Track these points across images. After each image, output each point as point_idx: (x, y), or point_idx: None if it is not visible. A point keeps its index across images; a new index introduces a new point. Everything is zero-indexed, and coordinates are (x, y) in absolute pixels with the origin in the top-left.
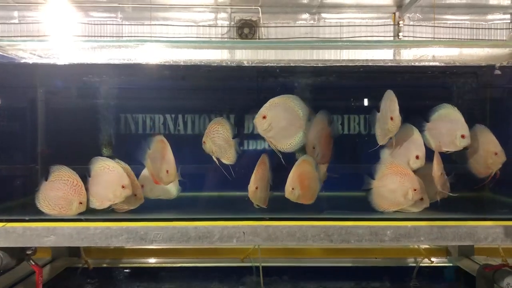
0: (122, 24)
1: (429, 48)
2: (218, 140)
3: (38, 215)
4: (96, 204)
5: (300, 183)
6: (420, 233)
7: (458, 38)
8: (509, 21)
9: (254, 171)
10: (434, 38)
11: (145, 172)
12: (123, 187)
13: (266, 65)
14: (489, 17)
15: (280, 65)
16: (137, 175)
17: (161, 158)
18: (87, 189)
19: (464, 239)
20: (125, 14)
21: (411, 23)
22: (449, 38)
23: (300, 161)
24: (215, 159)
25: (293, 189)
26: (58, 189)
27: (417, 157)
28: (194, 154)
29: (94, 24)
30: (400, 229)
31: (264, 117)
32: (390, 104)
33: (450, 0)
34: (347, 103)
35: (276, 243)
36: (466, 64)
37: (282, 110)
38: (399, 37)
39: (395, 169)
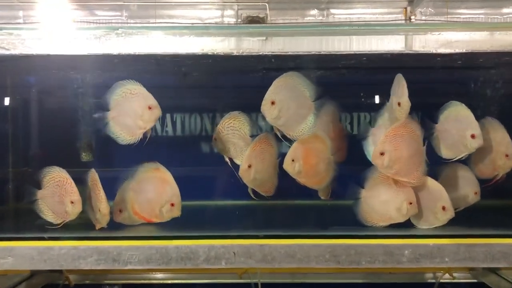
0: (127, 23)
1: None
2: (233, 138)
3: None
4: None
5: (304, 157)
6: (444, 253)
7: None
8: None
9: (250, 147)
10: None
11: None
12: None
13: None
14: (505, 10)
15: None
16: None
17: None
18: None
19: (498, 260)
20: (130, 13)
21: (423, 18)
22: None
23: (312, 134)
24: (227, 160)
25: (293, 160)
26: (54, 194)
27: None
28: (191, 155)
29: (99, 23)
30: (420, 248)
31: (272, 103)
32: (398, 89)
33: None
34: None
35: (273, 265)
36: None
37: (289, 92)
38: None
39: (388, 178)
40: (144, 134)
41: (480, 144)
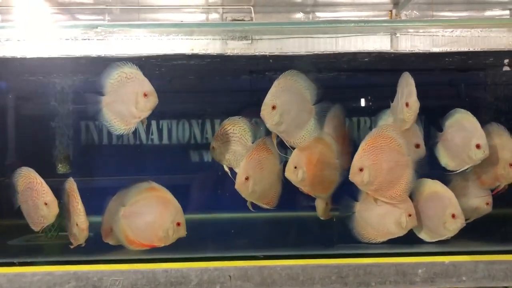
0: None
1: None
2: (234, 145)
3: None
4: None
5: (307, 163)
6: (461, 271)
7: (456, 36)
8: (508, 16)
9: (246, 156)
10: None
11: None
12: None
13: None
14: (488, 13)
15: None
16: None
17: None
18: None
19: None
20: (113, 16)
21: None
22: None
23: (316, 137)
24: (226, 169)
25: (295, 168)
26: (28, 198)
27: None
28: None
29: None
30: (435, 267)
31: (273, 108)
32: (406, 88)
33: None
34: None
35: None
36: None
37: (290, 94)
38: (396, 35)
39: None
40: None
41: (485, 155)
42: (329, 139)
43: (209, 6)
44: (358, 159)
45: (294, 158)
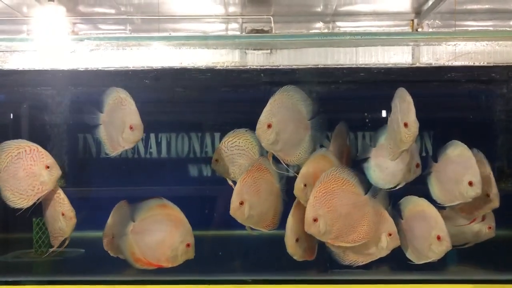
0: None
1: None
2: (239, 158)
3: None
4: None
5: (316, 180)
6: None
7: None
8: None
9: (239, 180)
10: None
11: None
12: (47, 167)
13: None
14: None
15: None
16: None
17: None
18: None
19: None
20: (134, 26)
21: (430, 30)
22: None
23: (320, 154)
24: (230, 183)
25: (305, 186)
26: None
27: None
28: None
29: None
30: None
31: (269, 126)
32: (403, 106)
33: (471, 5)
34: None
35: None
36: None
37: (286, 111)
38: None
39: None
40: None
41: (477, 194)
42: (332, 157)
43: (228, 16)
44: (311, 208)
45: (303, 176)
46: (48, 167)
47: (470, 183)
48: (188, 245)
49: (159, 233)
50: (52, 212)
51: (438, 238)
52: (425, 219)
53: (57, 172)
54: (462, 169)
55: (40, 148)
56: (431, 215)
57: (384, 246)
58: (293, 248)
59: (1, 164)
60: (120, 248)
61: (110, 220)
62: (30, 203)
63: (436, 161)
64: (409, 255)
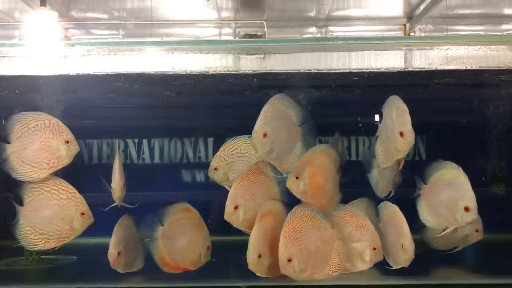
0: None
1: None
2: (241, 165)
3: None
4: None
5: (310, 176)
6: None
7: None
8: None
9: (234, 184)
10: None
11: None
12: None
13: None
14: (504, 27)
15: None
16: None
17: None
18: None
19: None
20: (127, 31)
21: (422, 35)
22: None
23: (317, 149)
24: (229, 190)
25: (297, 178)
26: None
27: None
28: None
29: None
30: None
31: (264, 135)
32: (399, 115)
33: (462, 10)
34: None
35: None
36: None
37: (279, 119)
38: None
39: (349, 219)
40: None
41: (473, 220)
42: (332, 152)
43: (222, 20)
44: (283, 249)
45: (296, 169)
46: (67, 142)
47: (467, 209)
48: (208, 247)
49: (186, 237)
50: (63, 212)
51: (402, 246)
52: (395, 227)
53: (75, 148)
54: (457, 193)
55: (60, 123)
56: (399, 223)
57: (367, 259)
58: (254, 265)
59: (14, 135)
60: (129, 263)
61: (114, 237)
62: (42, 176)
63: (425, 182)
64: (387, 259)
